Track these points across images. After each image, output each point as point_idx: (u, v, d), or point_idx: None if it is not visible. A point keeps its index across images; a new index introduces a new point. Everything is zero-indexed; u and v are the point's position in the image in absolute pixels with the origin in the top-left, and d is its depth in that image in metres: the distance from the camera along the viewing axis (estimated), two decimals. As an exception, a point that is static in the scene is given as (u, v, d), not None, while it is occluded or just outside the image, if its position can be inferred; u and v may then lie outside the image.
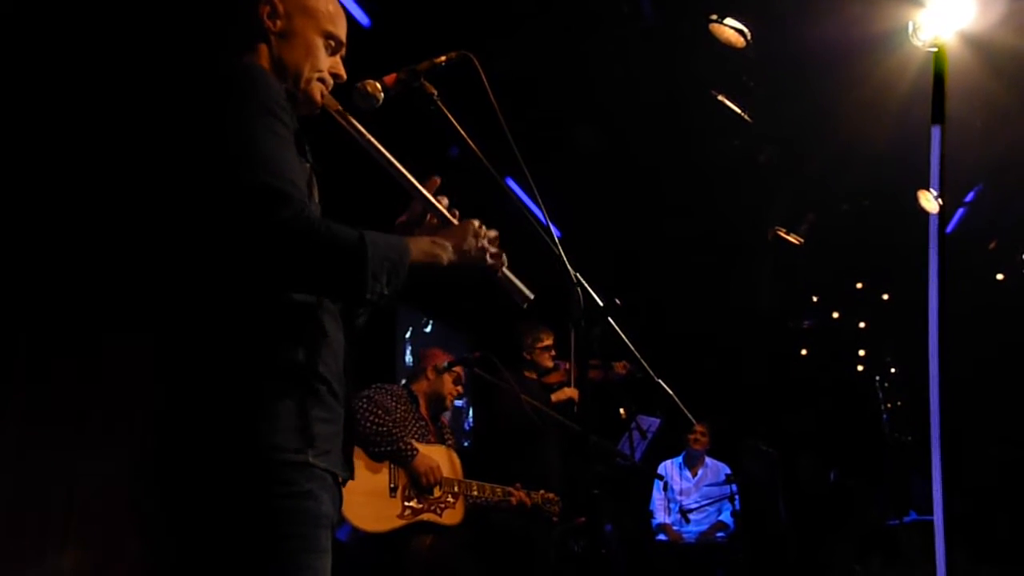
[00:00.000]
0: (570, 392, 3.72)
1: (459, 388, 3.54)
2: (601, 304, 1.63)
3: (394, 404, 3.26)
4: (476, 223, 1.46)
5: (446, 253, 1.38)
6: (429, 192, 1.55)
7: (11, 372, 3.10)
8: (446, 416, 3.57)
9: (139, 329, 3.22)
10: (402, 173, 1.50)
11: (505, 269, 1.49)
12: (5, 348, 3.09)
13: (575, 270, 1.62)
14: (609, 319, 1.65)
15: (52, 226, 3.16)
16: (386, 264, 1.26)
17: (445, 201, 1.56)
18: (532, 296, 1.53)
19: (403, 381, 3.63)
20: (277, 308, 1.27)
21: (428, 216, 1.56)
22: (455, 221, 1.52)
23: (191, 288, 1.26)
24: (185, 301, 1.26)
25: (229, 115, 1.23)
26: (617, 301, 1.61)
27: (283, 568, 1.20)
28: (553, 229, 1.63)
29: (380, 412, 3.12)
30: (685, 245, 6.14)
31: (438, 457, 3.24)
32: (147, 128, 1.31)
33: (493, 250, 1.46)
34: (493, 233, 1.46)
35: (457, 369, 3.53)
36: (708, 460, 5.73)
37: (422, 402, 3.45)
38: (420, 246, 1.35)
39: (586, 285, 1.62)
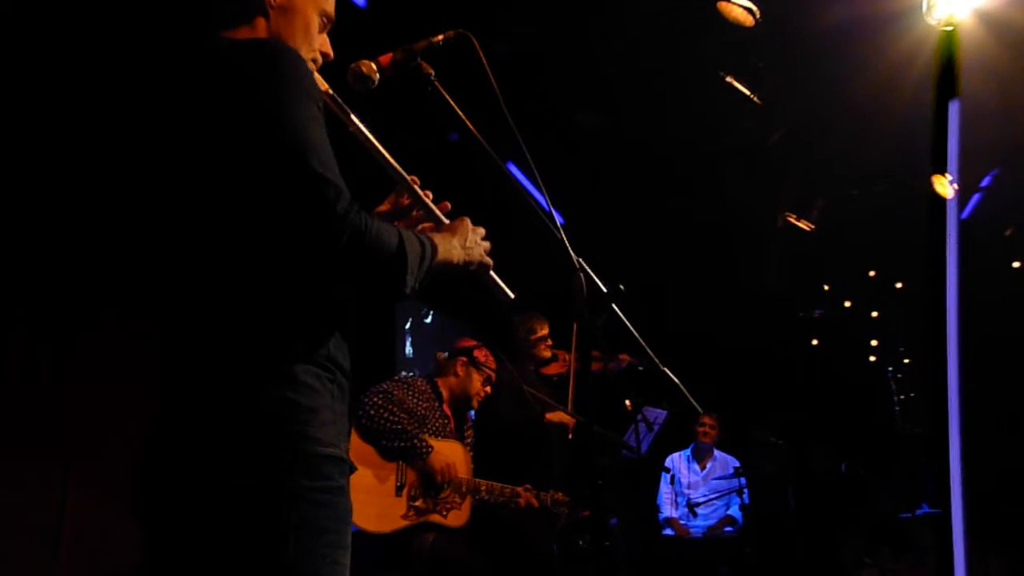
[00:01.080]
0: (563, 418, 3.71)
1: (488, 389, 3.52)
2: (605, 291, 1.63)
3: (414, 400, 3.25)
4: (468, 220, 1.48)
5: (456, 252, 1.42)
6: (416, 186, 1.56)
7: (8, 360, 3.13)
8: (470, 414, 3.58)
9: (149, 316, 3.25)
10: (391, 165, 1.50)
11: (492, 272, 1.52)
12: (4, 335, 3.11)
13: (578, 256, 1.62)
14: (613, 306, 1.65)
15: (72, 216, 3.21)
16: (420, 263, 1.31)
17: (431, 196, 1.58)
18: (513, 296, 1.56)
19: (420, 373, 3.62)
20: (315, 300, 1.29)
21: (414, 211, 1.58)
22: (444, 219, 1.54)
23: (230, 277, 1.27)
24: (225, 290, 1.27)
25: (282, 100, 1.24)
26: (621, 287, 1.61)
27: (319, 567, 1.22)
28: (555, 215, 1.63)
29: (395, 408, 3.12)
30: (692, 231, 6.13)
31: (453, 454, 3.25)
32: (176, 111, 1.30)
33: (487, 245, 1.49)
34: (481, 231, 1.49)
35: (489, 372, 3.48)
36: (717, 453, 5.75)
37: (446, 398, 3.44)
38: (441, 243, 1.39)
39: (589, 271, 1.63)
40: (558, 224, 1.63)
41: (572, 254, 1.63)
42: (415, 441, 3.10)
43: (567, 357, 4.35)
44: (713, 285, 6.66)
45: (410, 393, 3.25)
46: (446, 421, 3.37)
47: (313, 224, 1.21)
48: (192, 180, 1.29)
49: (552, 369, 4.37)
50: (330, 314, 1.32)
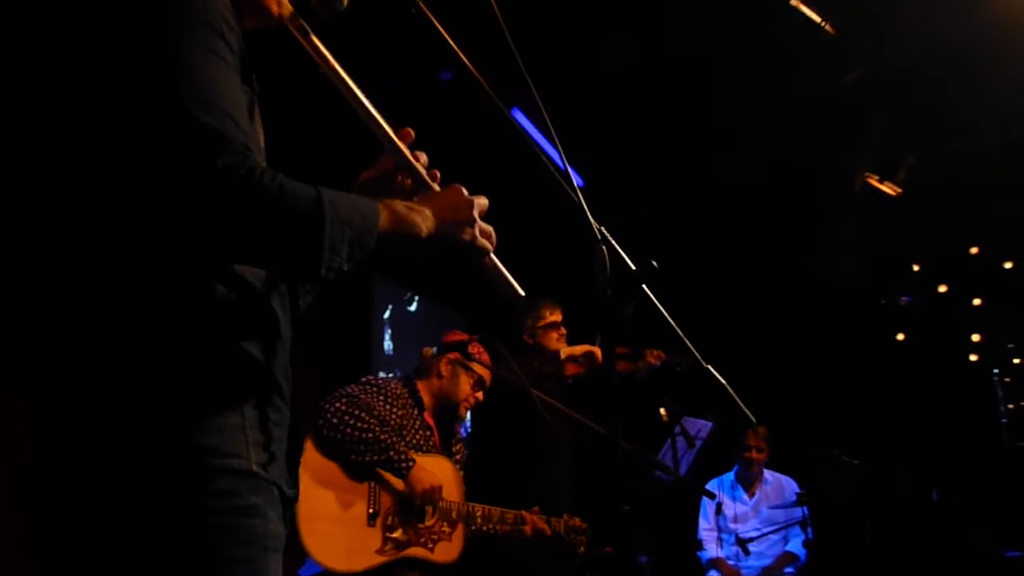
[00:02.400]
0: (584, 347, 3.78)
1: (479, 395, 3.57)
2: (634, 269, 1.64)
3: (386, 406, 3.29)
4: (463, 190, 1.47)
5: (425, 222, 1.39)
6: (404, 145, 1.56)
7: None
8: (460, 426, 3.62)
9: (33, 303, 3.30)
10: (372, 116, 1.50)
11: (494, 256, 1.52)
12: None
13: (599, 224, 1.63)
14: (644, 289, 1.66)
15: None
16: (348, 232, 1.28)
17: (424, 159, 1.58)
18: (521, 292, 1.56)
19: (400, 374, 3.66)
20: (213, 279, 1.29)
21: (399, 176, 1.60)
22: (435, 186, 1.54)
23: (101, 253, 1.27)
24: (96, 268, 1.27)
25: (154, 27, 1.23)
26: (655, 264, 1.62)
27: None
28: (572, 175, 1.64)
29: (362, 414, 3.15)
30: (745, 196, 6.11)
31: (440, 472, 3.28)
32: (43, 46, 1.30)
33: (484, 226, 1.47)
34: (483, 202, 1.47)
35: (481, 371, 3.52)
36: (769, 475, 5.79)
37: (428, 404, 3.48)
38: (393, 211, 1.36)
39: (614, 244, 1.64)
40: (575, 186, 1.64)
41: (592, 222, 1.63)
42: (391, 453, 3.13)
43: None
44: (771, 264, 6.66)
45: (381, 397, 3.29)
46: (428, 433, 3.41)
47: (173, 181, 1.19)
48: (55, 127, 1.29)
49: (568, 369, 4.39)
50: (234, 296, 1.32)
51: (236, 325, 1.31)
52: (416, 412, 3.40)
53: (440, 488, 3.20)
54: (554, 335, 4.27)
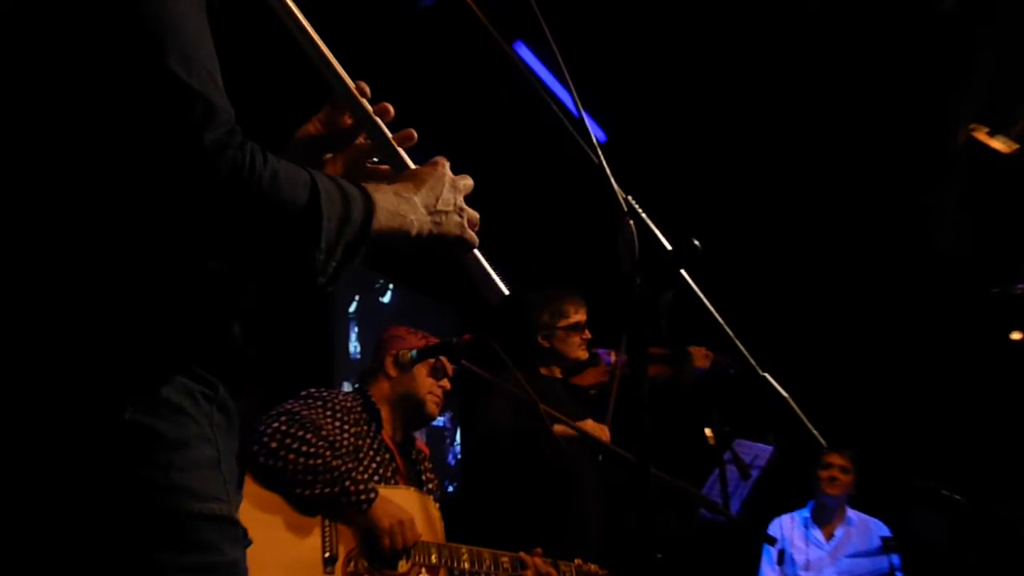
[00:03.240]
0: (592, 430, 3.76)
1: (444, 384, 3.64)
2: (671, 249, 1.65)
3: (335, 423, 3.32)
4: (447, 167, 1.54)
5: (416, 216, 1.46)
6: (369, 105, 1.58)
7: None
8: (421, 438, 3.64)
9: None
10: (323, 56, 1.53)
11: (477, 251, 1.58)
12: None
13: (627, 193, 1.64)
14: (683, 275, 1.67)
15: None
16: (345, 232, 1.34)
17: (390, 113, 1.62)
18: (507, 291, 1.60)
19: (355, 384, 3.68)
20: (184, 273, 1.34)
21: (361, 138, 1.65)
22: (408, 160, 1.59)
23: (59, 234, 1.30)
24: (53, 256, 1.30)
25: None
26: (697, 244, 1.63)
27: None
28: (591, 126, 1.65)
29: (308, 435, 3.17)
30: (812, 155, 6.11)
31: (409, 505, 3.31)
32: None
33: (471, 213, 1.54)
34: (468, 183, 1.54)
35: (443, 360, 3.59)
36: (852, 514, 5.81)
37: (385, 416, 3.54)
38: (386, 203, 1.42)
39: (645, 218, 1.65)
40: (595, 141, 1.65)
41: (618, 190, 1.64)
42: (346, 483, 3.16)
43: (613, 358, 4.38)
44: (846, 245, 6.67)
45: (328, 413, 3.33)
46: (388, 456, 3.45)
47: (167, 155, 1.24)
48: (16, 88, 1.31)
49: (589, 378, 4.41)
50: (212, 295, 1.36)
51: (210, 329, 1.37)
52: (373, 430, 3.45)
53: (411, 523, 3.23)
54: (576, 340, 4.29)
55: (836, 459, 5.73)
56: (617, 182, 1.65)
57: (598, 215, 1.63)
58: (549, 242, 6.88)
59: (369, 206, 1.39)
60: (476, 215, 1.54)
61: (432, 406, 3.60)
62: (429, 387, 3.59)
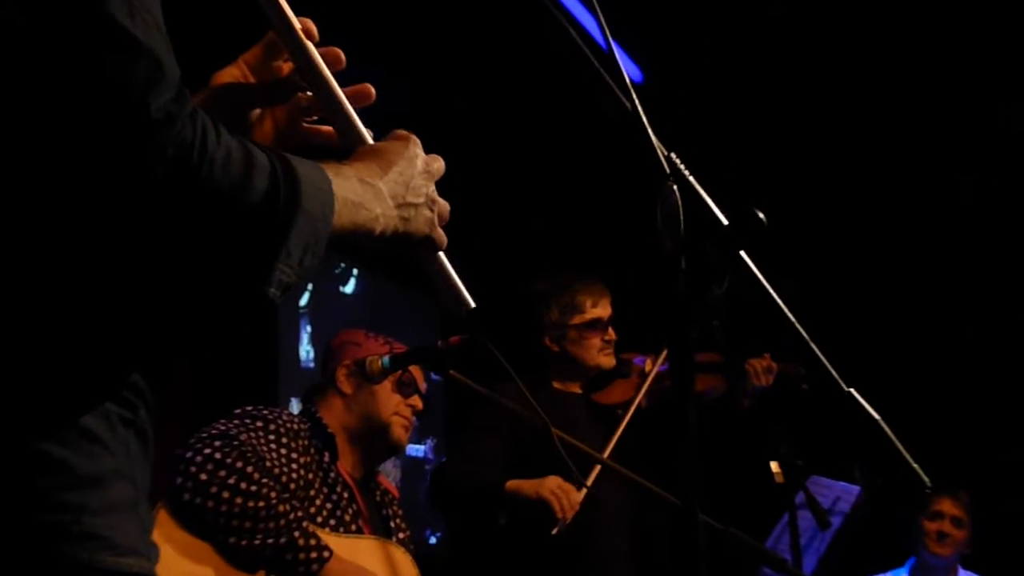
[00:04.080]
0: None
1: (415, 402, 3.67)
2: (727, 225, 1.64)
3: (279, 450, 3.32)
4: (417, 145, 1.59)
5: (382, 208, 1.51)
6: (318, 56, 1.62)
7: None
8: (383, 471, 3.64)
9: None
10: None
11: (443, 255, 1.65)
12: None
13: (669, 150, 1.63)
14: (744, 259, 1.66)
15: None
16: (306, 230, 1.38)
17: (340, 61, 1.66)
18: (472, 305, 1.66)
19: (298, 403, 3.68)
20: (106, 269, 1.35)
21: (301, 94, 1.70)
22: (364, 130, 1.63)
23: None
24: None
25: None
26: (762, 217, 1.62)
27: None
28: (624, 62, 1.64)
29: (249, 468, 3.17)
30: (910, 110, 6.12)
31: (374, 563, 3.31)
32: None
33: (442, 206, 1.61)
34: (439, 165, 1.62)
35: (412, 371, 3.58)
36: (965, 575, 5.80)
37: (341, 445, 3.54)
38: (348, 193, 1.46)
39: (694, 183, 1.64)
40: (628, 81, 1.63)
41: (658, 146, 1.63)
42: (295, 535, 3.15)
43: (647, 366, 4.36)
44: (954, 224, 6.67)
45: (271, 438, 3.33)
46: (347, 495, 3.46)
47: (101, 128, 1.25)
48: None
49: (617, 393, 4.40)
50: (137, 298, 1.37)
51: (134, 340, 1.39)
52: (325, 461, 3.46)
53: None
54: (595, 342, 4.30)
55: (947, 506, 5.68)
56: (657, 135, 1.63)
57: (631, 179, 1.63)
58: (566, 215, 6.89)
59: (331, 196, 1.42)
60: (447, 208, 1.60)
61: (399, 431, 3.63)
62: (395, 406, 3.61)
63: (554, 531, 3.88)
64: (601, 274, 4.51)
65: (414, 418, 3.71)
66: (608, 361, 4.33)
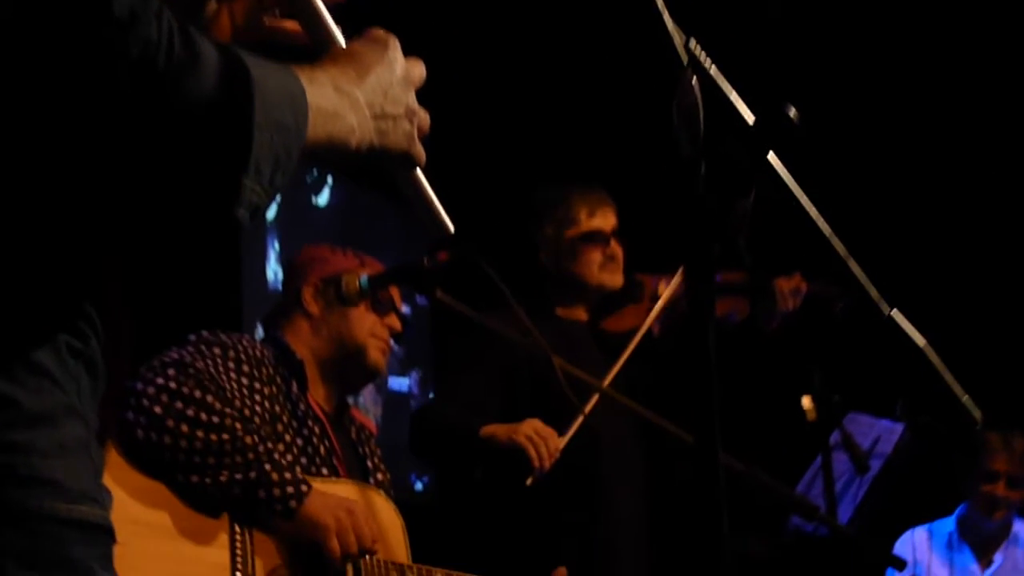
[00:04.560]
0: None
1: (392, 322, 3.66)
2: (753, 123, 1.65)
3: (240, 379, 3.33)
4: (396, 46, 1.61)
5: (358, 119, 1.52)
6: None
7: None
8: (362, 407, 3.64)
9: None
10: None
11: (420, 172, 1.68)
12: None
13: (688, 36, 1.63)
14: (773, 162, 1.66)
15: None
16: (276, 143, 1.39)
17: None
18: (452, 229, 1.69)
19: (261, 328, 3.68)
20: (58, 190, 1.35)
21: None
22: (336, 32, 1.64)
23: None
24: None
25: None
26: (794, 114, 1.63)
27: None
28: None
29: (208, 397, 3.15)
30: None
31: (360, 503, 3.33)
32: None
33: (423, 118, 1.63)
34: (420, 72, 1.64)
35: (389, 289, 3.60)
36: (1021, 528, 5.85)
37: (311, 373, 3.55)
38: (323, 101, 1.48)
39: (716, 75, 1.64)
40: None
41: (674, 30, 1.63)
42: (266, 467, 3.15)
43: (660, 285, 4.36)
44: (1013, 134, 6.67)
45: (231, 365, 3.33)
46: (319, 430, 3.48)
47: (62, 22, 1.26)
48: None
49: (628, 319, 4.40)
50: (94, 211, 1.39)
51: (87, 267, 1.42)
52: (294, 392, 3.47)
53: (370, 522, 3.25)
54: (595, 256, 4.28)
55: (1001, 463, 5.63)
56: (673, 18, 1.63)
57: (642, 71, 1.62)
58: (567, 115, 6.86)
59: (303, 103, 1.43)
60: (428, 120, 1.61)
61: (376, 354, 3.61)
62: (370, 327, 3.60)
63: (528, 481, 3.88)
64: (609, 184, 4.49)
65: (392, 342, 3.69)
66: (612, 280, 4.31)
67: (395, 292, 3.65)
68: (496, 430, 3.91)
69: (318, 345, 3.59)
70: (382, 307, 3.62)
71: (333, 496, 3.23)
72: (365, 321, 3.59)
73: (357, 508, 3.23)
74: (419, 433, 4.20)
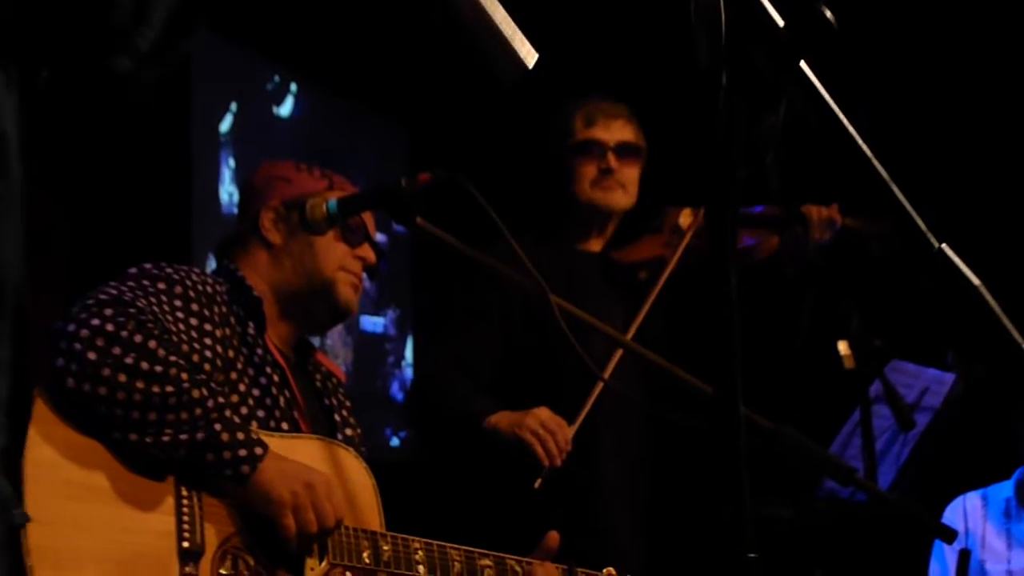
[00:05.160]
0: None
1: (365, 253, 3.65)
2: (784, 26, 1.66)
3: (188, 320, 3.32)
4: None
5: None
6: None
7: None
8: (329, 351, 3.65)
9: None
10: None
11: None
12: None
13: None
14: (805, 72, 1.67)
15: None
16: None
17: None
18: (534, 57, 1.67)
19: (213, 259, 3.68)
20: None
21: None
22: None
23: None
24: None
25: None
26: (829, 16, 1.63)
27: None
28: None
29: (151, 342, 3.12)
30: None
31: (324, 466, 3.36)
32: None
33: None
34: None
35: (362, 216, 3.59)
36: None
37: (270, 312, 3.55)
38: None
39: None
40: None
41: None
42: (216, 427, 3.14)
43: (681, 218, 4.37)
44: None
45: (177, 303, 3.31)
46: (278, 377, 3.48)
47: None
48: None
49: (645, 249, 4.40)
50: None
51: None
52: (250, 334, 3.47)
53: (332, 489, 3.25)
54: (589, 170, 4.35)
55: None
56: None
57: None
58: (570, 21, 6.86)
59: None
60: None
61: (346, 289, 3.59)
62: (340, 258, 3.58)
63: (536, 484, 3.92)
64: (615, 93, 4.49)
65: (366, 277, 3.67)
66: (605, 198, 4.28)
67: (369, 219, 3.62)
68: (500, 421, 3.94)
69: (279, 279, 3.58)
70: (354, 236, 3.59)
71: (291, 464, 3.23)
72: (334, 252, 3.57)
73: (318, 480, 3.22)
74: (420, 414, 4.26)
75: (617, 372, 4.05)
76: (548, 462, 3.87)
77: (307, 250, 3.58)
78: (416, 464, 6.28)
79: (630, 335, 3.96)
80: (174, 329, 3.26)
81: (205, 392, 3.17)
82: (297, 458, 3.28)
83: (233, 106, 6.24)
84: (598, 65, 6.57)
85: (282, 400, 3.46)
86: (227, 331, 3.41)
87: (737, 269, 1.68)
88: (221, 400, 3.22)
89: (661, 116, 4.49)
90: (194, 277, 3.41)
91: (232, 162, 6.18)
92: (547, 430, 3.89)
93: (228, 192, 6.13)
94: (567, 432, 3.92)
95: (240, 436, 3.17)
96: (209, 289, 3.41)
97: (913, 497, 4.99)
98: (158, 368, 3.11)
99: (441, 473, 4.26)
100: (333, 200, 3.36)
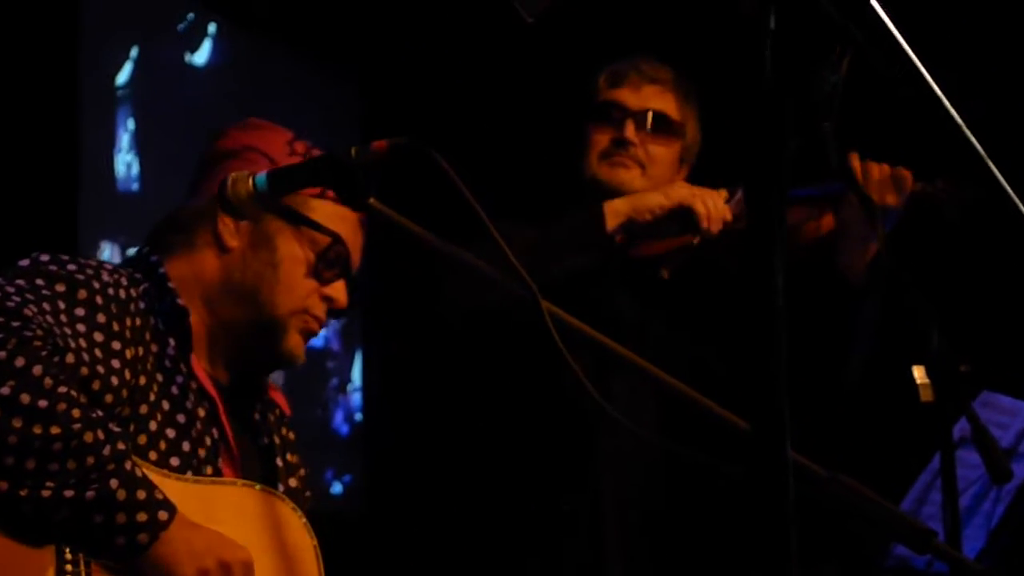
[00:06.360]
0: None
1: (336, 294, 3.56)
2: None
3: (88, 337, 3.25)
4: None
5: None
6: None
7: None
8: (275, 384, 3.65)
9: None
10: None
11: None
12: None
13: None
14: (873, 11, 1.69)
15: None
16: None
17: None
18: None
19: (140, 251, 3.66)
20: None
21: None
22: None
23: None
24: None
25: None
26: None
27: None
28: None
29: (34, 366, 3.06)
30: None
31: (248, 528, 3.36)
32: None
33: None
34: None
35: (345, 237, 3.49)
36: None
37: (197, 327, 3.50)
38: None
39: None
40: None
41: None
42: (110, 483, 3.09)
43: (730, 199, 4.39)
44: None
45: (79, 317, 3.24)
46: (205, 410, 3.46)
47: None
48: None
49: (668, 240, 4.43)
50: None
51: None
52: (170, 353, 3.44)
53: (249, 569, 3.27)
54: (601, 139, 4.37)
55: None
56: None
57: None
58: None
59: None
60: None
61: (297, 338, 3.54)
62: (304, 297, 3.50)
63: (695, 240, 4.04)
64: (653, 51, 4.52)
65: (329, 319, 3.62)
66: (612, 175, 4.28)
67: (355, 246, 3.54)
68: (618, 207, 4.07)
69: (218, 295, 3.54)
70: (329, 268, 3.50)
71: (203, 534, 3.21)
72: (298, 287, 3.50)
73: (235, 558, 3.22)
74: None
75: (627, 400, 4.07)
76: (707, 223, 3.87)
77: (267, 272, 3.52)
78: (363, 515, 6.30)
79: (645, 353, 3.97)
80: (72, 346, 3.17)
81: (101, 435, 3.09)
82: (220, 511, 3.28)
83: (133, 52, 6.23)
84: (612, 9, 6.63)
85: (208, 440, 3.43)
86: (140, 351, 3.35)
87: (788, 257, 1.69)
88: (122, 446, 3.13)
89: (691, 72, 4.52)
90: (104, 277, 3.32)
91: (131, 123, 6.15)
92: (703, 191, 3.97)
93: (125, 162, 6.10)
94: (720, 199, 4.01)
95: (140, 495, 3.11)
96: (123, 294, 3.34)
97: (1008, 569, 5.02)
98: (41, 402, 3.03)
99: (394, 526, 4.26)
100: (262, 174, 3.14)
